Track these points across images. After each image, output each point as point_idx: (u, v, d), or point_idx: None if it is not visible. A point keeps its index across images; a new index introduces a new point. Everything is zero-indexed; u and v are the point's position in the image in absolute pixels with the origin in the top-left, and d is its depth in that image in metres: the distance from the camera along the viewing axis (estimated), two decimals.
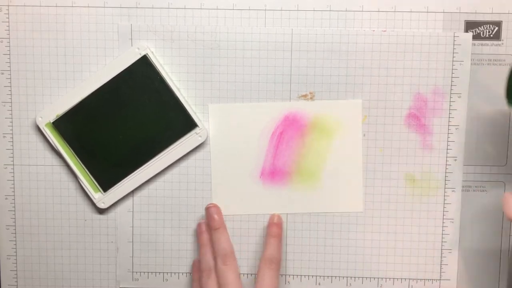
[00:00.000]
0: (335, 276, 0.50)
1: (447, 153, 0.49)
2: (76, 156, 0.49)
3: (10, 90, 0.49)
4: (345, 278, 0.50)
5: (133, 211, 0.50)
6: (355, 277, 0.50)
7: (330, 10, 0.48)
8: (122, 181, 0.49)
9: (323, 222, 0.50)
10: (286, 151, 0.49)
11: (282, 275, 0.50)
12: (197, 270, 0.48)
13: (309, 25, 0.48)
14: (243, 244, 0.50)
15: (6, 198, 0.50)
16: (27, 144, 0.49)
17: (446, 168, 0.49)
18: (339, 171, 0.49)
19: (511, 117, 0.49)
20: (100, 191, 0.49)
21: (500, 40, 0.48)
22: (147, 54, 0.47)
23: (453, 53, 0.48)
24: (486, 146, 0.49)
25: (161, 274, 0.51)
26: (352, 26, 0.48)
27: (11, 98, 0.49)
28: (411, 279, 0.50)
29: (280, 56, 0.48)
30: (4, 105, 0.49)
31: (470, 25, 0.48)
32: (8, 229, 0.51)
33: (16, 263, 0.51)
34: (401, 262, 0.50)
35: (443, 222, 0.49)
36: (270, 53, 0.48)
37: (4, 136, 0.50)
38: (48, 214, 0.50)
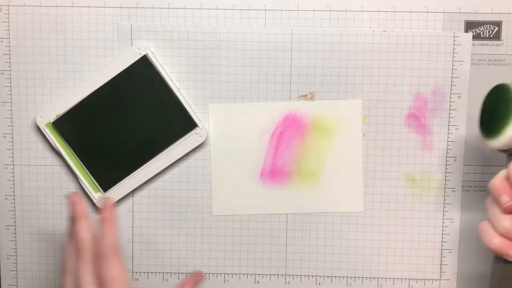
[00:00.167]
0: (335, 276, 0.50)
1: (447, 153, 0.49)
2: (76, 156, 0.49)
3: (10, 90, 0.49)
4: (345, 278, 0.50)
5: (133, 211, 0.50)
6: (355, 277, 0.50)
7: (330, 10, 0.48)
8: (122, 181, 0.49)
9: (323, 222, 0.50)
10: (286, 151, 0.49)
11: (282, 275, 0.50)
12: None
13: (309, 25, 0.48)
14: (243, 244, 0.50)
15: (6, 198, 0.50)
16: (27, 144, 0.49)
17: (446, 168, 0.49)
18: (339, 171, 0.49)
19: None
20: (100, 191, 0.49)
21: (500, 40, 0.48)
22: (147, 54, 0.47)
23: (453, 53, 0.48)
24: (486, 146, 0.49)
25: (161, 274, 0.51)
26: (352, 26, 0.48)
27: (11, 98, 0.49)
28: (411, 279, 0.50)
29: (280, 56, 0.48)
30: (4, 105, 0.49)
31: (470, 25, 0.48)
32: (8, 229, 0.51)
33: (16, 263, 0.51)
34: (401, 262, 0.50)
35: (443, 222, 0.49)
36: (270, 53, 0.48)
37: (4, 136, 0.50)
38: (48, 214, 0.50)
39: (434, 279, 0.50)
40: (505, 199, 0.37)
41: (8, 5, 0.48)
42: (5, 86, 0.49)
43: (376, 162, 0.49)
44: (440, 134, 0.49)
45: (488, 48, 0.48)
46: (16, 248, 0.51)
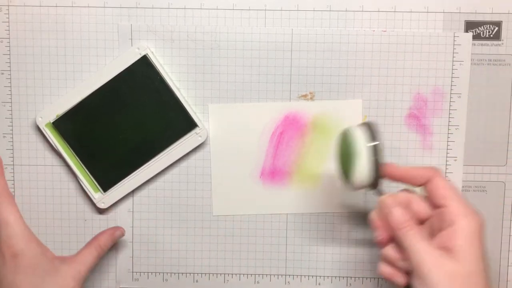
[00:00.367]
0: (335, 276, 0.50)
1: (447, 153, 0.49)
2: (76, 156, 0.49)
3: (10, 90, 0.49)
4: (345, 278, 0.50)
5: (133, 211, 0.50)
6: (355, 277, 0.50)
7: (330, 10, 0.48)
8: (122, 181, 0.49)
9: (323, 222, 0.50)
10: (286, 151, 0.49)
11: (282, 275, 0.50)
12: None
13: (309, 25, 0.48)
14: (243, 244, 0.50)
15: None
16: (27, 144, 0.49)
17: (446, 168, 0.49)
18: None
19: (511, 117, 0.49)
20: (100, 191, 0.49)
21: (500, 40, 0.48)
22: (147, 54, 0.47)
23: (453, 53, 0.48)
24: (486, 146, 0.49)
25: (161, 274, 0.51)
26: (352, 26, 0.48)
27: (11, 98, 0.49)
28: None
29: (280, 56, 0.48)
30: (4, 105, 0.49)
31: (470, 25, 0.48)
32: None
33: None
34: None
35: None
36: (270, 53, 0.48)
37: (4, 136, 0.50)
38: (48, 214, 0.50)
39: None
40: (376, 233, 0.40)
41: (8, 5, 0.48)
42: (5, 86, 0.49)
43: None
44: (440, 134, 0.49)
45: (488, 48, 0.48)
46: None
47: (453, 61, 0.48)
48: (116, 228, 0.49)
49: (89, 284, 0.51)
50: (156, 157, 0.48)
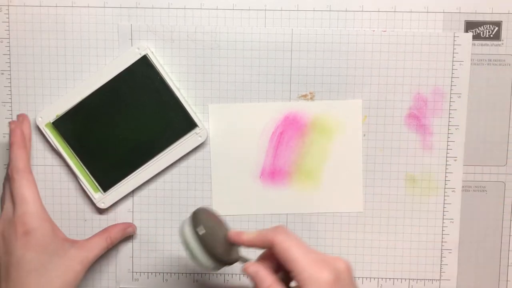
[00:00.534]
0: None
1: (447, 153, 0.49)
2: (76, 156, 0.49)
3: (10, 90, 0.49)
4: None
5: (133, 211, 0.50)
6: (355, 277, 0.50)
7: (330, 10, 0.48)
8: (122, 181, 0.49)
9: (323, 222, 0.50)
10: (286, 151, 0.49)
11: None
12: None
13: (309, 25, 0.48)
14: None
15: None
16: None
17: (446, 168, 0.49)
18: (339, 171, 0.49)
19: (511, 117, 0.49)
20: (100, 191, 0.49)
21: (500, 40, 0.48)
22: (147, 54, 0.47)
23: (453, 53, 0.48)
24: (486, 146, 0.49)
25: (161, 274, 0.51)
26: (352, 26, 0.48)
27: (11, 98, 0.49)
28: (411, 279, 0.50)
29: (280, 56, 0.48)
30: (4, 105, 0.49)
31: (470, 25, 0.48)
32: None
33: None
34: (401, 262, 0.50)
35: (443, 222, 0.49)
36: (270, 53, 0.48)
37: (4, 136, 0.50)
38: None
39: (434, 279, 0.50)
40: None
41: (8, 5, 0.48)
42: (5, 86, 0.49)
43: (376, 162, 0.49)
44: (440, 134, 0.49)
45: (488, 48, 0.48)
46: None
47: (453, 61, 0.48)
48: (129, 224, 0.49)
49: (89, 284, 0.51)
50: (156, 157, 0.48)
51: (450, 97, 0.48)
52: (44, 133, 0.49)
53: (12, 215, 0.43)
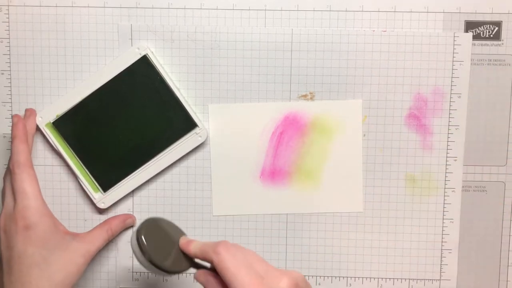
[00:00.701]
0: (335, 276, 0.50)
1: (447, 153, 0.49)
2: (76, 156, 0.49)
3: (10, 90, 0.49)
4: (345, 278, 0.50)
5: (133, 211, 0.50)
6: (355, 277, 0.50)
7: (330, 10, 0.48)
8: (122, 181, 0.49)
9: (323, 222, 0.50)
10: (286, 151, 0.49)
11: None
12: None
13: (309, 25, 0.48)
14: (243, 244, 0.50)
15: None
16: None
17: (446, 168, 0.49)
18: (339, 171, 0.49)
19: (511, 117, 0.49)
20: (100, 191, 0.49)
21: (500, 40, 0.48)
22: (147, 54, 0.47)
23: (453, 53, 0.48)
24: (486, 146, 0.49)
25: None
26: (352, 26, 0.48)
27: (11, 98, 0.49)
28: (411, 279, 0.50)
29: (280, 56, 0.48)
30: (4, 105, 0.49)
31: (470, 25, 0.48)
32: None
33: None
34: (401, 262, 0.50)
35: (443, 222, 0.49)
36: (270, 53, 0.48)
37: (4, 136, 0.50)
38: None
39: (434, 279, 0.50)
40: None
41: (8, 5, 0.48)
42: (5, 86, 0.49)
43: (376, 162, 0.49)
44: (440, 134, 0.49)
45: (488, 48, 0.48)
46: None
47: (453, 61, 0.48)
48: (128, 215, 0.49)
49: (89, 284, 0.51)
50: (156, 157, 0.48)
51: (450, 97, 0.48)
52: (44, 133, 0.49)
53: (13, 210, 0.43)
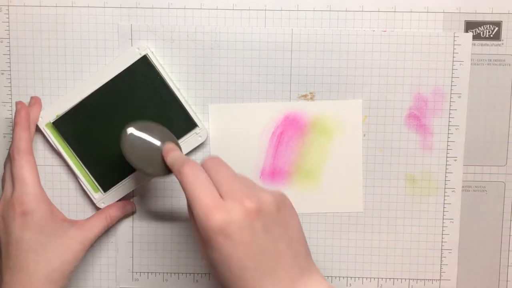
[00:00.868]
0: (335, 276, 0.50)
1: (447, 153, 0.49)
2: (76, 156, 0.49)
3: (10, 90, 0.49)
4: (345, 278, 0.50)
5: (133, 211, 0.50)
6: (355, 277, 0.50)
7: (330, 10, 0.48)
8: (122, 181, 0.49)
9: (323, 222, 0.50)
10: (286, 151, 0.49)
11: None
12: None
13: (309, 25, 0.48)
14: None
15: None
16: None
17: (446, 168, 0.49)
18: (339, 171, 0.49)
19: (511, 117, 0.49)
20: (100, 191, 0.49)
21: (500, 40, 0.48)
22: (147, 54, 0.47)
23: (453, 53, 0.48)
24: (486, 146, 0.49)
25: (161, 274, 0.51)
26: (352, 26, 0.48)
27: (11, 98, 0.49)
28: (411, 279, 0.50)
29: (280, 56, 0.48)
30: (4, 105, 0.49)
31: (470, 25, 0.48)
32: None
33: None
34: (401, 262, 0.50)
35: (443, 222, 0.49)
36: (270, 53, 0.48)
37: (4, 136, 0.50)
38: None
39: (434, 279, 0.50)
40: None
41: (8, 5, 0.48)
42: (5, 86, 0.49)
43: (376, 162, 0.49)
44: (440, 134, 0.49)
45: (488, 48, 0.48)
46: None
47: (453, 61, 0.48)
48: (127, 202, 0.49)
49: (89, 284, 0.51)
50: None
51: (450, 97, 0.48)
52: (44, 133, 0.49)
53: (11, 196, 0.44)
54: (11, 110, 0.49)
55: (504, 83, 0.48)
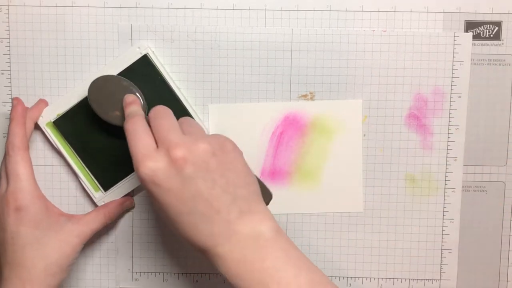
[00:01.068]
0: (335, 276, 0.50)
1: (447, 153, 0.49)
2: (77, 156, 0.49)
3: (10, 90, 0.49)
4: (345, 278, 0.50)
5: (133, 211, 0.50)
6: (355, 277, 0.50)
7: (330, 10, 0.48)
8: (123, 180, 0.49)
9: (323, 222, 0.50)
10: (286, 151, 0.49)
11: None
12: None
13: (309, 25, 0.48)
14: None
15: None
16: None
17: (446, 168, 0.49)
18: (339, 171, 0.49)
19: (511, 117, 0.49)
20: (100, 190, 0.49)
21: (500, 40, 0.48)
22: (147, 53, 0.47)
23: (453, 53, 0.48)
24: (486, 146, 0.49)
25: (161, 274, 0.51)
26: (352, 26, 0.48)
27: (11, 98, 0.49)
28: (411, 279, 0.50)
29: (280, 56, 0.48)
30: (4, 105, 0.49)
31: (470, 25, 0.48)
32: None
33: None
34: (401, 262, 0.50)
35: (443, 222, 0.49)
36: (270, 53, 0.48)
37: (4, 136, 0.50)
38: None
39: (434, 279, 0.50)
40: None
41: (8, 5, 0.48)
42: (5, 86, 0.49)
43: (376, 162, 0.49)
44: (440, 134, 0.49)
45: (488, 48, 0.48)
46: None
47: (453, 61, 0.48)
48: (127, 198, 0.49)
49: (89, 284, 0.51)
50: None
51: (450, 97, 0.48)
52: (45, 132, 0.49)
53: (5, 191, 0.44)
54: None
55: (504, 83, 0.48)
